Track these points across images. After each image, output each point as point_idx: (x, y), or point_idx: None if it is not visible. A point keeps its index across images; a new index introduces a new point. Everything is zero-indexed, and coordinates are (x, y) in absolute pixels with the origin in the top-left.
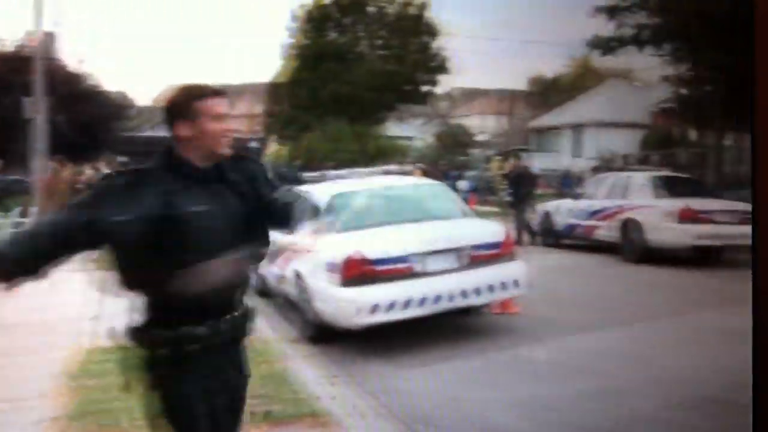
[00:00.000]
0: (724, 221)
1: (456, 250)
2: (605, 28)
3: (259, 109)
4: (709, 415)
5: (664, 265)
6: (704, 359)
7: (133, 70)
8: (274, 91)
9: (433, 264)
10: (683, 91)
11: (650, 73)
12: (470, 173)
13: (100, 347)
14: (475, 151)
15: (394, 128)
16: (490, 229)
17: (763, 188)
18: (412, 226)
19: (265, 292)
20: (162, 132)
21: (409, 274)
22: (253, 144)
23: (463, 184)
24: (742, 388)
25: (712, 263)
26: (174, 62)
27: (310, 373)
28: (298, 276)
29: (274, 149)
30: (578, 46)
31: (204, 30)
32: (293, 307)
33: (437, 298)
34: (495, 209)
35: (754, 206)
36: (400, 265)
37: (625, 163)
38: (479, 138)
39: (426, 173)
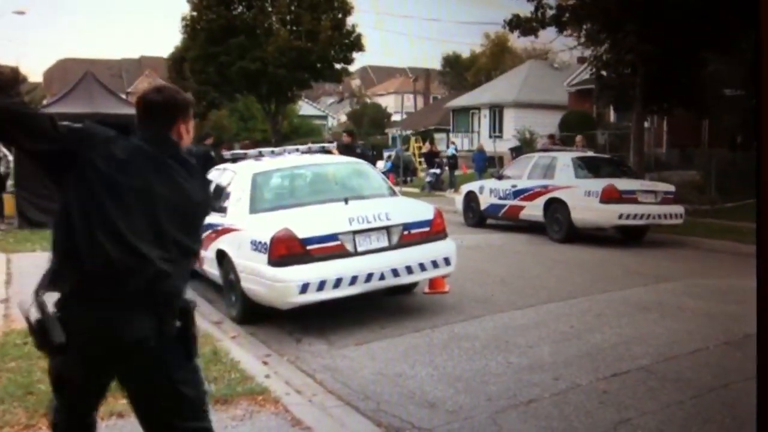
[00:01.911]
0: (647, 201)
1: (386, 229)
2: (525, 7)
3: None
4: (641, 384)
5: (589, 244)
6: (633, 332)
7: (25, 44)
8: (176, 66)
9: (363, 243)
10: (602, 73)
11: (568, 54)
12: (388, 153)
13: (17, 330)
14: (392, 130)
15: (306, 107)
16: (420, 208)
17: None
18: (341, 204)
19: None
20: (61, 108)
21: (340, 253)
22: None
23: (380, 164)
24: (670, 358)
25: (634, 241)
26: (68, 36)
27: (240, 354)
28: (222, 256)
29: None
30: (494, 25)
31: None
32: (216, 288)
33: (369, 277)
34: (414, 189)
35: (759, 210)
36: (330, 244)
37: (548, 144)
38: (395, 117)
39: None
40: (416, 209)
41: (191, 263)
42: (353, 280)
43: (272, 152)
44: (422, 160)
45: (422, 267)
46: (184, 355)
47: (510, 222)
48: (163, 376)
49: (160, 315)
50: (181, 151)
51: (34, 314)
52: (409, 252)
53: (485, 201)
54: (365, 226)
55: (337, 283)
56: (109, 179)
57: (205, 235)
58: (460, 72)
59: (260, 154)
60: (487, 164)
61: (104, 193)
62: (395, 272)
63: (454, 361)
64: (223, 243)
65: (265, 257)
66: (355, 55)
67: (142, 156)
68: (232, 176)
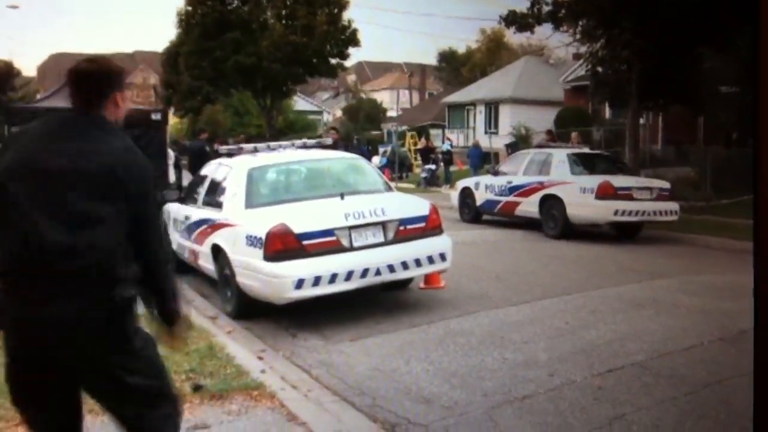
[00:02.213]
0: (642, 198)
1: (382, 224)
2: (521, 3)
3: (153, 79)
4: (636, 380)
5: (584, 240)
6: (627, 329)
7: (19, 39)
8: (170, 60)
9: (359, 238)
10: (598, 69)
11: (564, 51)
12: (383, 148)
13: None
14: (387, 126)
15: (302, 102)
16: (416, 203)
17: (766, 191)
18: (337, 199)
19: (179, 268)
20: (57, 102)
21: (336, 249)
22: (156, 116)
23: (376, 160)
24: (664, 354)
25: (630, 238)
26: (61, 31)
27: (236, 349)
28: (217, 251)
29: (173, 121)
30: (490, 21)
31: None
32: (211, 283)
33: (364, 272)
34: (410, 185)
35: (756, 206)
36: (325, 239)
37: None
38: (390, 113)
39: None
40: (412, 205)
41: (114, 233)
42: (349, 275)
43: (268, 147)
44: (418, 155)
45: (418, 263)
46: (122, 339)
47: (505, 218)
48: (102, 363)
49: (78, 294)
50: (107, 122)
51: None
52: (405, 247)
53: (481, 197)
54: (361, 221)
55: (333, 278)
56: (13, 171)
57: (200, 230)
58: (455, 68)
59: (255, 149)
60: (482, 160)
61: (8, 187)
62: (391, 268)
63: (449, 356)
64: (218, 238)
65: (260, 252)
66: (350, 50)
67: (52, 131)
68: (227, 171)
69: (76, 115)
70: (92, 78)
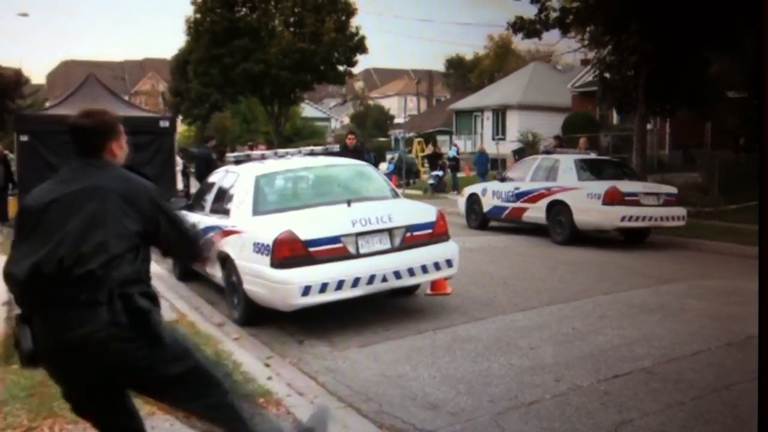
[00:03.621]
0: (649, 203)
1: (389, 231)
2: (528, 9)
3: (162, 86)
4: (643, 385)
5: (592, 246)
6: (635, 334)
7: (28, 46)
8: (179, 68)
9: (366, 245)
10: (605, 75)
11: (571, 56)
12: (390, 155)
13: None
14: (395, 132)
15: (309, 109)
16: (423, 210)
17: None
18: (343, 206)
19: (186, 275)
20: (66, 110)
21: (342, 255)
22: (164, 123)
23: (383, 166)
24: (672, 359)
25: (637, 243)
26: (70, 39)
27: (242, 355)
28: (224, 258)
29: (181, 129)
30: (498, 27)
31: (99, 3)
32: (218, 290)
33: (371, 279)
34: (417, 191)
35: (762, 212)
36: (332, 246)
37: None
38: (398, 119)
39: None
40: (419, 211)
41: (128, 254)
42: (355, 282)
43: (275, 154)
44: (425, 162)
45: (424, 269)
46: (148, 342)
47: (513, 224)
48: (139, 364)
49: (99, 307)
50: (107, 163)
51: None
52: (412, 254)
53: (488, 203)
54: (368, 228)
55: (340, 285)
56: (37, 212)
57: (207, 237)
58: (463, 74)
59: (263, 156)
60: (489, 166)
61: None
62: (397, 274)
63: (456, 362)
64: (225, 245)
65: (267, 259)
66: (358, 57)
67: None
68: (235, 178)
69: (83, 161)
70: (88, 132)
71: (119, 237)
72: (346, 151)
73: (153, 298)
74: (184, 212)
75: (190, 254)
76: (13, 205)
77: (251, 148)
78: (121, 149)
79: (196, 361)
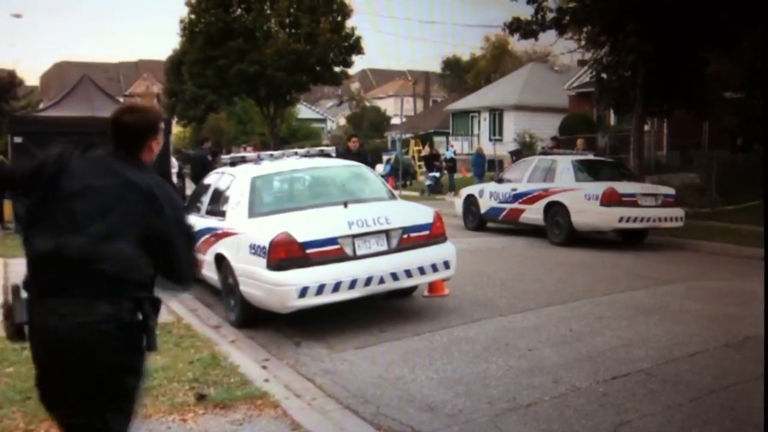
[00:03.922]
0: (647, 204)
1: (386, 232)
2: (525, 10)
3: (157, 87)
4: (641, 386)
5: (589, 247)
6: (633, 335)
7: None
8: (174, 69)
9: (363, 246)
10: (602, 75)
11: (568, 57)
12: (387, 156)
13: None
14: (391, 134)
15: (305, 110)
16: (420, 211)
17: None
18: (340, 208)
19: None
20: (58, 111)
21: (339, 257)
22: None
23: (379, 168)
24: (670, 360)
25: (635, 244)
26: (64, 40)
27: (239, 358)
28: (221, 260)
29: (176, 130)
30: (495, 28)
31: (94, 4)
32: (214, 292)
33: (368, 281)
34: (414, 193)
35: (766, 212)
36: (329, 248)
37: (551, 146)
38: (394, 121)
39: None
40: (416, 213)
41: (135, 246)
42: (352, 283)
43: (271, 156)
44: (422, 163)
45: (422, 271)
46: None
47: (510, 225)
48: (114, 368)
49: (106, 302)
50: (143, 164)
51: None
52: (409, 255)
53: (485, 204)
54: (365, 229)
55: (336, 286)
56: (54, 188)
57: (203, 239)
58: (460, 75)
59: (259, 158)
60: (486, 167)
61: (45, 200)
62: (395, 276)
63: (454, 364)
64: (221, 247)
65: (264, 261)
66: (354, 57)
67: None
68: (231, 180)
69: (120, 155)
70: (131, 129)
71: (140, 240)
72: (349, 155)
73: (156, 304)
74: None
75: (182, 279)
76: (8, 208)
77: (228, 151)
78: (158, 145)
79: (142, 381)
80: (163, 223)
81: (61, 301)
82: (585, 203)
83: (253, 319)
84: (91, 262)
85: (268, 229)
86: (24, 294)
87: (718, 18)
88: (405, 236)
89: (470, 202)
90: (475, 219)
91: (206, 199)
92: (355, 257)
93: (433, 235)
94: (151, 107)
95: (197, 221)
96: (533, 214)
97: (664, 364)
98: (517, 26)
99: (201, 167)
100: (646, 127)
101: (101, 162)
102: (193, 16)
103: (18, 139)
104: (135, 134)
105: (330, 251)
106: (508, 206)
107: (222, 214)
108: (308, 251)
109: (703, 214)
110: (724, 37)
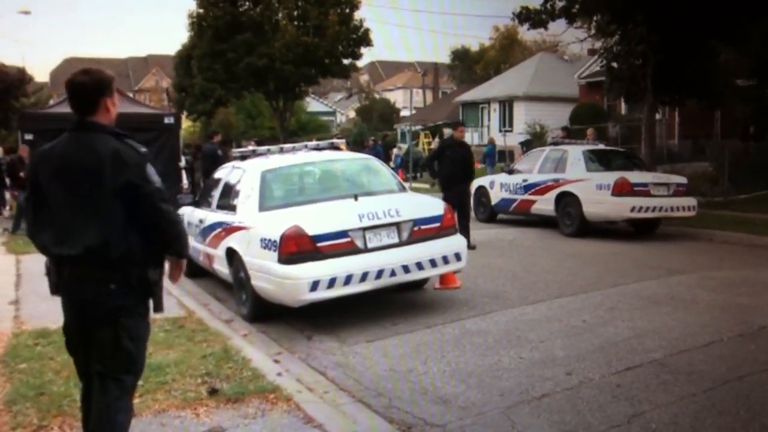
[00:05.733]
0: (659, 194)
1: (396, 225)
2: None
3: (166, 82)
4: (654, 377)
5: (601, 238)
6: (645, 325)
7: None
8: (182, 63)
9: (373, 239)
10: (613, 64)
11: (578, 46)
12: (397, 149)
13: (28, 331)
14: (401, 126)
15: (314, 103)
16: (430, 203)
17: None
18: (350, 201)
19: (193, 272)
20: (68, 108)
21: (350, 250)
22: (168, 120)
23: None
24: (683, 351)
25: (646, 234)
26: (73, 36)
27: (251, 352)
28: (232, 254)
29: (185, 125)
30: (503, 18)
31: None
32: (226, 286)
33: (379, 274)
34: (424, 185)
35: None
36: (340, 241)
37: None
38: (404, 113)
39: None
40: (426, 205)
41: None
42: (364, 276)
43: (281, 149)
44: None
45: (433, 263)
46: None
47: (521, 216)
48: (113, 323)
49: (90, 276)
50: (104, 126)
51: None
52: (420, 248)
53: (496, 196)
54: (375, 222)
55: (348, 280)
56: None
57: (214, 233)
58: (469, 66)
59: (269, 152)
60: (497, 158)
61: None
62: (406, 268)
63: (465, 356)
64: (232, 241)
65: (275, 255)
66: (362, 50)
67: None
68: (241, 174)
69: (77, 126)
70: (86, 88)
71: (121, 212)
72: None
73: (149, 282)
74: (189, 209)
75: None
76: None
77: (239, 145)
78: (114, 106)
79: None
80: (127, 177)
81: (71, 270)
82: (596, 193)
83: (265, 313)
84: (74, 246)
85: (278, 223)
86: None
87: (727, 7)
88: (416, 228)
89: (481, 193)
90: (486, 210)
91: (217, 193)
92: (366, 250)
93: (443, 227)
94: (104, 69)
95: (208, 215)
96: (544, 204)
97: (677, 354)
98: (526, 16)
99: (212, 161)
100: (658, 117)
101: (65, 143)
102: (201, 10)
103: (29, 136)
104: (89, 92)
105: (341, 244)
106: (519, 197)
107: (232, 208)
108: (319, 244)
109: (716, 204)
110: (732, 28)
